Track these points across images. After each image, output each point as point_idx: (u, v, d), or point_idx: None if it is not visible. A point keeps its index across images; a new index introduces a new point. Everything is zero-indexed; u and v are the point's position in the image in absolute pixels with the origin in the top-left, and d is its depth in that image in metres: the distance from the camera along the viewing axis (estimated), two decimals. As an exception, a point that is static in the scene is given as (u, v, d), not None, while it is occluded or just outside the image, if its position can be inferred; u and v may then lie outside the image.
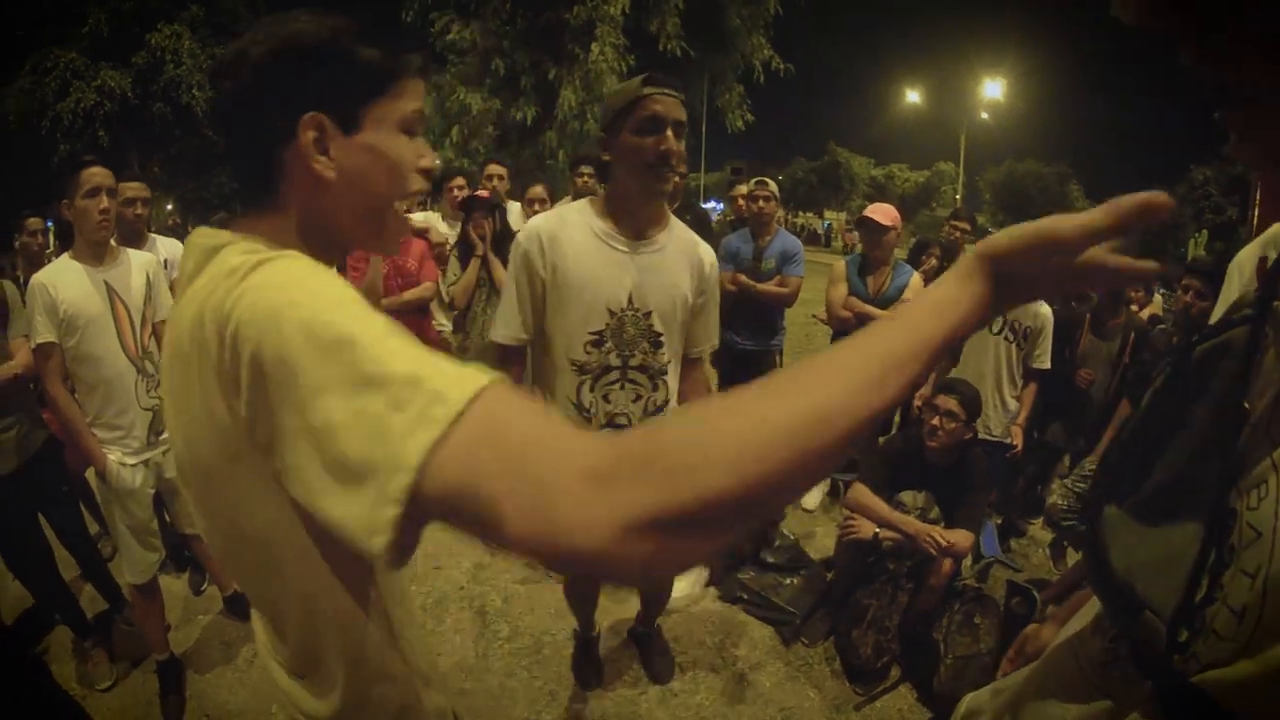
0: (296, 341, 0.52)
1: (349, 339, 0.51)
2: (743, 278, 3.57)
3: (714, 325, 1.95)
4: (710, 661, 2.57)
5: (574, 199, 2.67)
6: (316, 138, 0.68)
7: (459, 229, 3.59)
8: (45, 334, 2.06)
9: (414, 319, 3.46)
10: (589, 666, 2.43)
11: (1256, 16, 0.46)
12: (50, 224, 3.83)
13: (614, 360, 1.78)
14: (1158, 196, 0.48)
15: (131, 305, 2.17)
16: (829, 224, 41.60)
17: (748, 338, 3.65)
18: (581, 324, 1.74)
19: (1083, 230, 0.49)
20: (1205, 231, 23.46)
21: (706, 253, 1.88)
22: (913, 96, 36.82)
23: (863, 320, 3.35)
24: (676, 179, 1.69)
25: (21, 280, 2.92)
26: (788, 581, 2.92)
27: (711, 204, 24.00)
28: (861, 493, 2.59)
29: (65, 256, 2.16)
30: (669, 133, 1.57)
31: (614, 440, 0.45)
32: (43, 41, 14.23)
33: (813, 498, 3.83)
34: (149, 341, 2.23)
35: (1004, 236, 0.53)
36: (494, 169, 4.21)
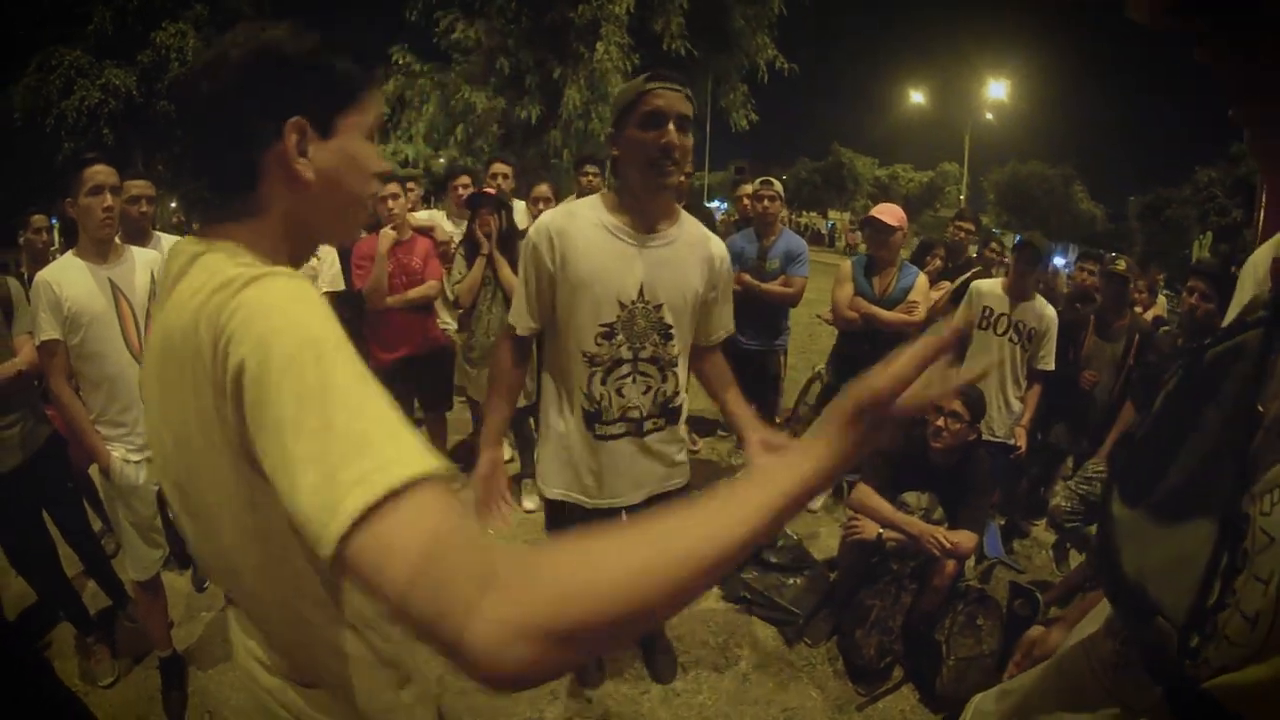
0: (274, 374, 0.57)
1: (319, 386, 0.56)
2: (747, 277, 3.56)
3: (729, 314, 1.98)
4: (713, 661, 2.57)
5: (579, 198, 2.67)
6: (298, 140, 0.71)
7: (464, 227, 3.58)
8: (49, 331, 2.06)
9: (419, 317, 3.47)
10: (591, 665, 2.42)
11: (1271, 14, 0.45)
12: (55, 221, 3.84)
13: (625, 353, 1.80)
14: (946, 337, 0.58)
15: (135, 303, 2.17)
16: (833, 224, 41.45)
17: (752, 337, 3.63)
18: (592, 316, 1.75)
19: (895, 379, 0.58)
20: (1210, 233, 23.38)
21: (718, 247, 1.89)
22: (917, 97, 36.63)
23: (869, 320, 3.34)
24: (680, 174, 1.70)
25: (26, 277, 2.93)
26: (791, 581, 2.92)
27: (716, 204, 23.95)
28: (865, 493, 2.59)
29: (69, 254, 2.16)
30: (670, 127, 1.59)
31: (518, 558, 0.49)
32: (47, 39, 14.23)
33: (816, 498, 3.82)
34: (153, 339, 2.23)
35: (849, 401, 0.59)
36: (499, 167, 4.21)
